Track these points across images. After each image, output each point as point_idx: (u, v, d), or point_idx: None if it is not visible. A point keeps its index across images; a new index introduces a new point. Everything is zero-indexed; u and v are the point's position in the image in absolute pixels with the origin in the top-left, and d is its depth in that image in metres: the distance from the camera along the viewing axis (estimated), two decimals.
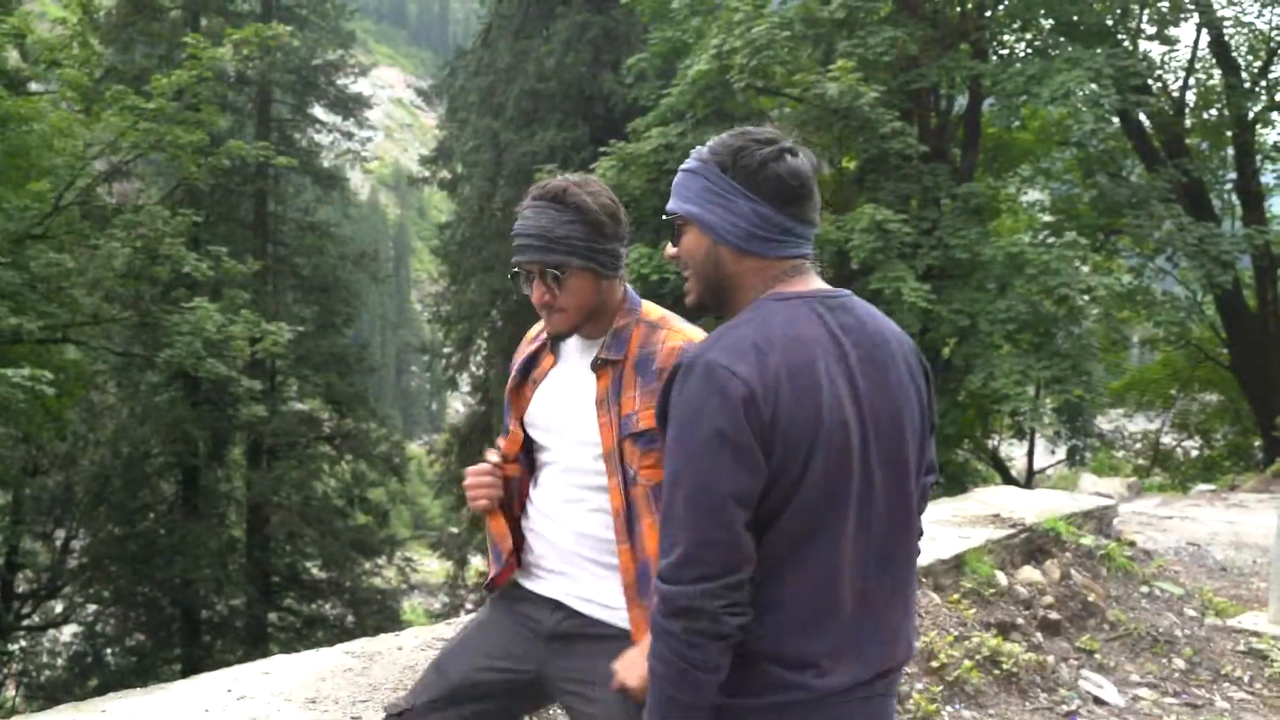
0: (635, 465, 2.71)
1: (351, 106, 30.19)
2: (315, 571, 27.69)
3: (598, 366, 2.80)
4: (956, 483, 18.32)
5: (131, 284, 18.43)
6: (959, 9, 19.27)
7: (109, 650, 25.44)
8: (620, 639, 2.72)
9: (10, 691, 23.89)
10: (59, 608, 25.97)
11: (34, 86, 20.05)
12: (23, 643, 24.65)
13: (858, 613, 2.28)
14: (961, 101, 20.47)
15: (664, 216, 2.45)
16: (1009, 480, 22.04)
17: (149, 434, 23.72)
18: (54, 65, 17.83)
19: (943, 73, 18.21)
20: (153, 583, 24.05)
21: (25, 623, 24.63)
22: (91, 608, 25.57)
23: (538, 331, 3.02)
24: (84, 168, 17.93)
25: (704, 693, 2.17)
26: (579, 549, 2.82)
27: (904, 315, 16.29)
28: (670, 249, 2.44)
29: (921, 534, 2.48)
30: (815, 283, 2.37)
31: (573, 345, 2.90)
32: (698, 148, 2.44)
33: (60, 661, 25.42)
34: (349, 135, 31.38)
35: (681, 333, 2.78)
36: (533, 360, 2.97)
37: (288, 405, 27.29)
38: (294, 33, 22.98)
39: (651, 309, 2.88)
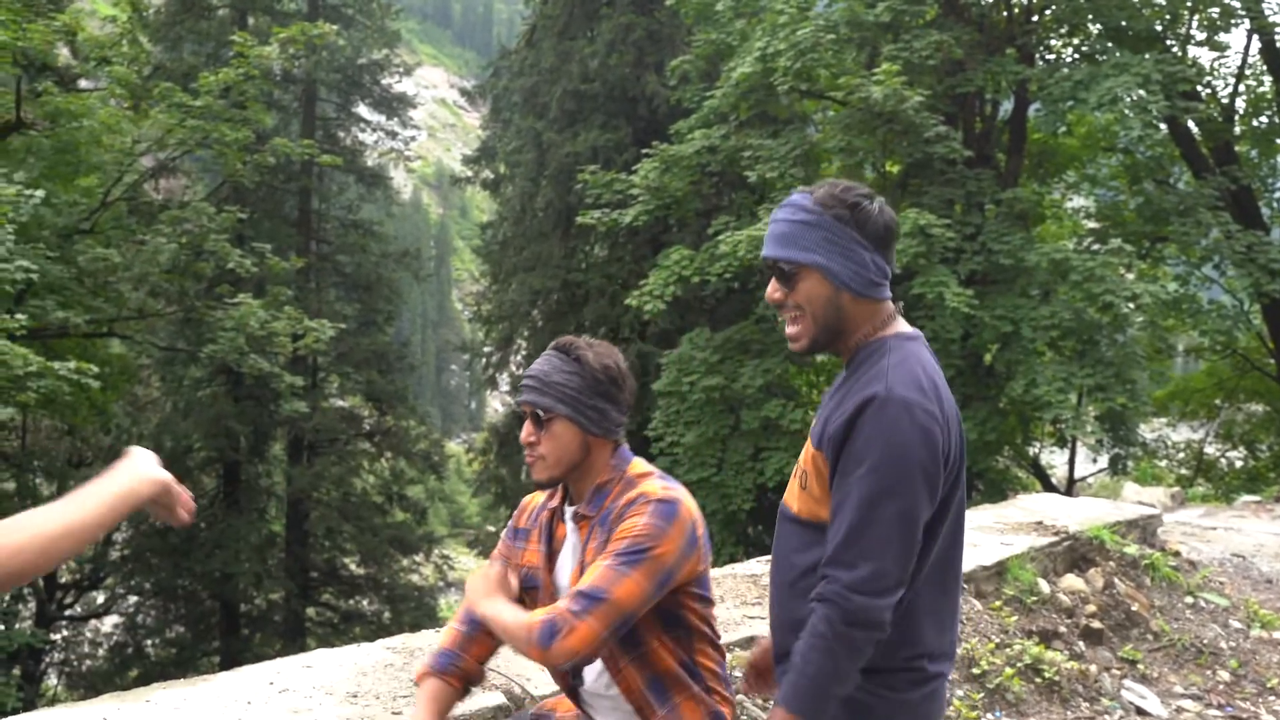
0: None
1: (395, 106, 30.33)
2: (353, 567, 27.83)
3: (577, 520, 2.96)
4: (996, 489, 18.21)
5: (176, 279, 18.58)
6: (1005, 13, 19.14)
7: (149, 641, 25.67)
8: None
9: (52, 680, 24.14)
10: (101, 598, 26.24)
11: (84, 84, 20.26)
12: (65, 632, 24.90)
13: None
14: (1007, 106, 20.33)
15: (779, 266, 2.59)
16: (1049, 488, 21.88)
17: (192, 428, 23.92)
18: (104, 63, 18.00)
19: (988, 77, 18.09)
20: (193, 575, 24.23)
21: (68, 613, 24.87)
22: (132, 599, 25.81)
23: (540, 501, 3.16)
24: (132, 164, 18.10)
25: (851, 682, 2.45)
26: (595, 689, 3.00)
27: (946, 320, 16.21)
28: (776, 294, 2.61)
29: None
30: (904, 321, 2.69)
31: (575, 509, 3.01)
32: (797, 197, 2.61)
33: (101, 652, 25.68)
34: (392, 134, 31.54)
35: (656, 485, 2.86)
36: (550, 531, 3.06)
37: (329, 402, 27.44)
38: (340, 32, 23.14)
39: (638, 466, 2.98)
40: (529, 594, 3.05)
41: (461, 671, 3.07)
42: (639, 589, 2.74)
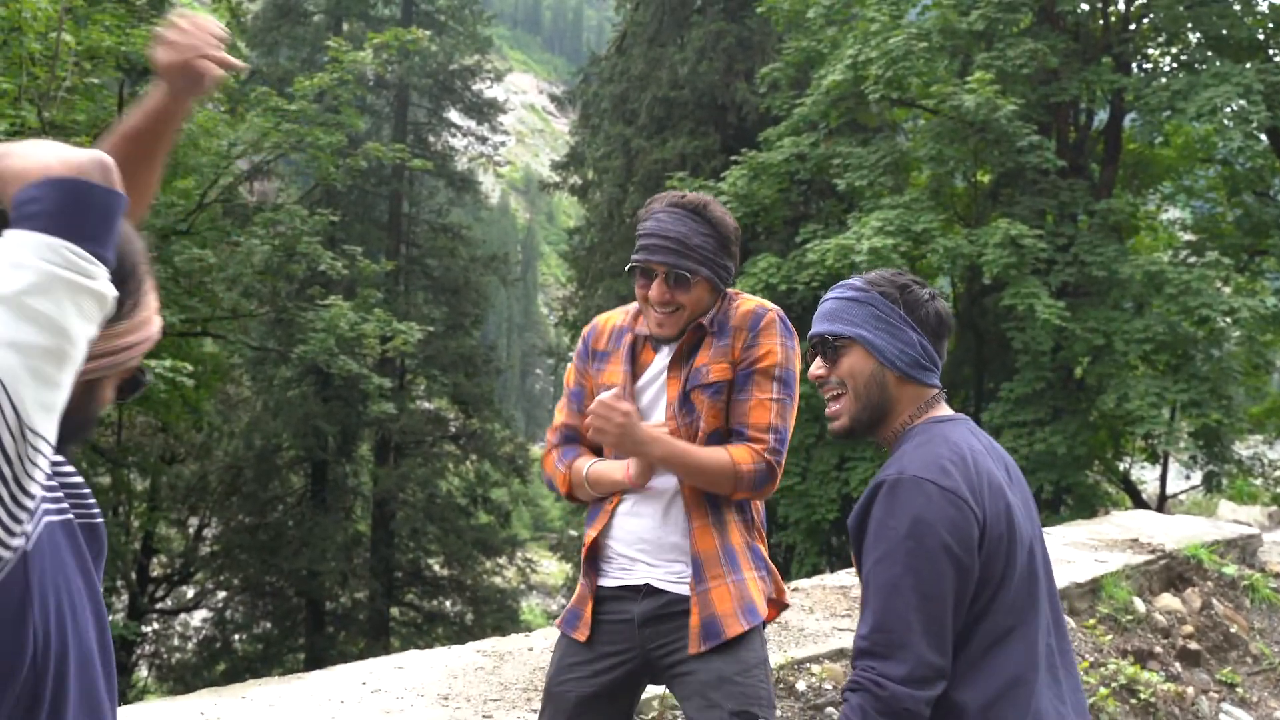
0: (703, 411, 2.95)
1: (486, 111, 30.55)
2: (437, 568, 28.02)
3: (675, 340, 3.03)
4: (1086, 505, 17.93)
5: (269, 280, 18.85)
6: (1102, 21, 18.86)
7: (237, 636, 26.06)
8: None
9: (143, 672, 24.60)
10: (190, 593, 26.67)
11: None
12: (155, 625, 25.35)
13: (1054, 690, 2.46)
14: (1102, 116, 20.05)
15: (823, 339, 2.56)
16: (1140, 504, 21.49)
17: (281, 427, 24.24)
18: None
19: (1084, 86, 17.85)
20: (280, 572, 24.55)
21: (159, 606, 25.32)
22: (221, 594, 26.20)
23: (619, 324, 3.18)
24: (228, 166, 18.37)
25: None
26: (657, 535, 3.00)
27: (1036, 332, 16.01)
28: (819, 370, 2.57)
29: None
30: (949, 408, 2.61)
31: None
32: (852, 280, 2.61)
33: (190, 645, 26.10)
34: (482, 139, 31.75)
35: (758, 300, 3.06)
36: (634, 351, 3.11)
37: (415, 404, 27.68)
38: (432, 38, 23.31)
39: (738, 292, 3.13)
40: (571, 402, 3.17)
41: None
42: (795, 416, 3.04)
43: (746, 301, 3.05)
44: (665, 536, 3.00)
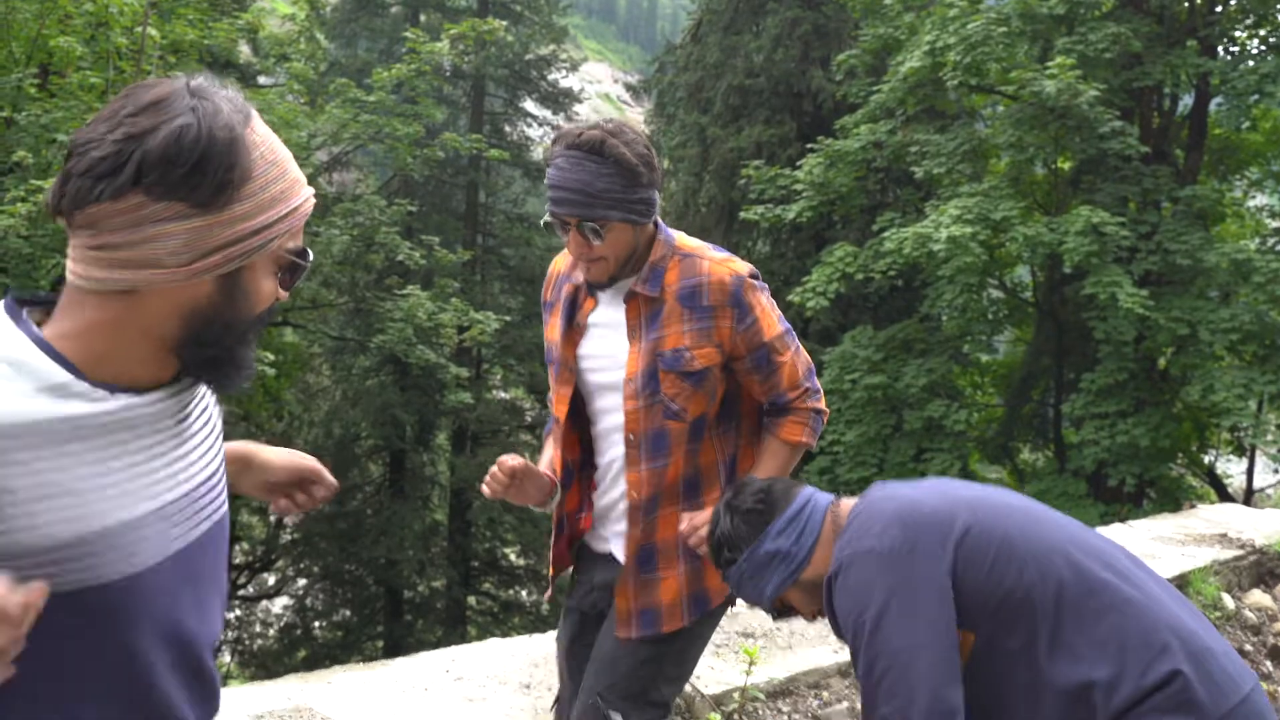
0: (678, 398, 2.82)
1: (561, 101, 30.56)
2: (513, 558, 28.17)
3: (628, 299, 2.86)
4: (1170, 498, 17.64)
5: (348, 270, 19.04)
6: (1187, 4, 18.50)
7: (317, 623, 26.38)
8: None
9: (226, 657, 25.00)
10: (271, 580, 27.05)
11: (263, 80, 20.91)
12: (238, 611, 25.75)
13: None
14: (1187, 100, 19.69)
15: None
16: (1225, 498, 21.11)
17: (360, 416, 24.47)
18: (283, 59, 18.53)
19: (1167, 70, 17.52)
20: (359, 561, 24.80)
21: (241, 593, 25.71)
22: (302, 582, 26.54)
23: (562, 271, 3.04)
24: (307, 158, 18.56)
25: None
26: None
27: (1118, 322, 15.77)
28: None
29: None
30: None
31: (613, 283, 2.92)
32: None
33: (271, 632, 26.48)
34: (557, 129, 31.79)
35: (725, 263, 2.87)
36: (573, 304, 2.97)
37: (492, 393, 27.82)
38: (508, 28, 23.42)
39: (685, 240, 2.93)
40: (550, 368, 3.03)
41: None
42: None
43: (716, 267, 2.85)
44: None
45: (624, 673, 2.87)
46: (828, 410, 3.01)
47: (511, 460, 2.90)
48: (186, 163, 1.44)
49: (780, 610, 2.62)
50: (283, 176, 1.56)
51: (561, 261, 3.06)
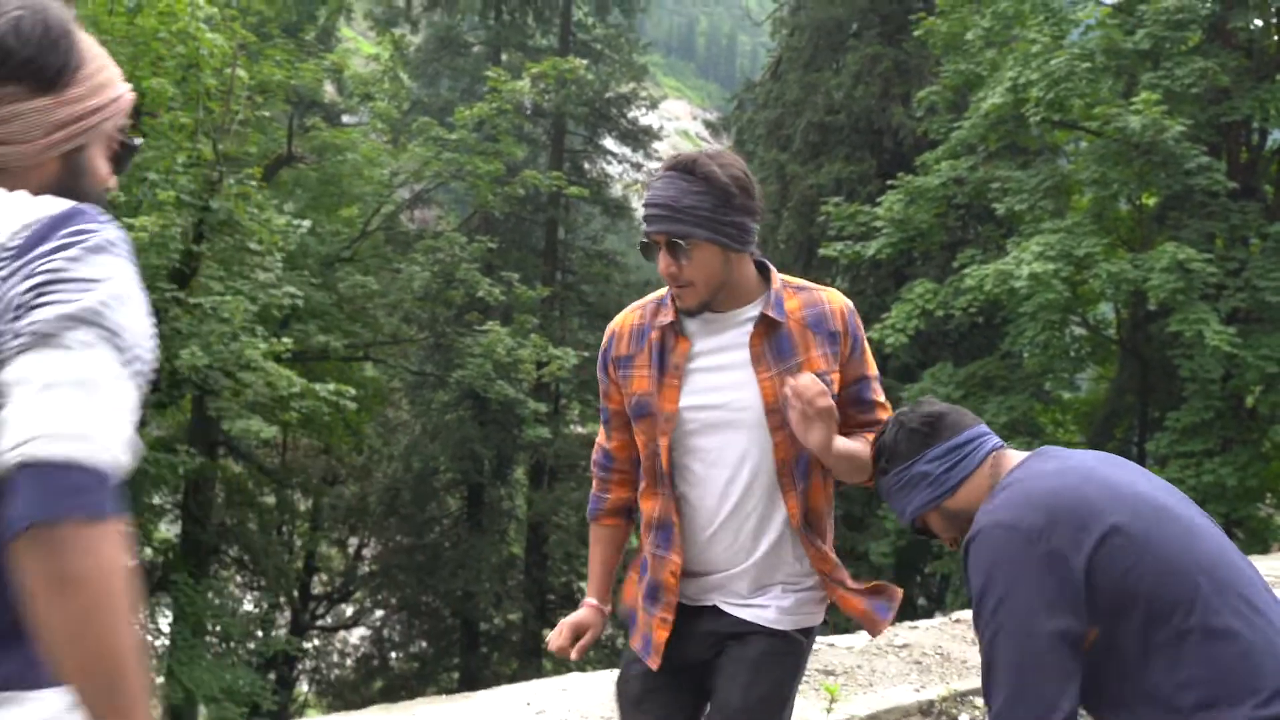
0: None
1: (641, 138, 30.69)
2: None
3: (757, 323, 2.81)
4: (1259, 539, 17.25)
5: (428, 306, 19.27)
6: (1277, 37, 18.23)
7: (394, 654, 26.56)
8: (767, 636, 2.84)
9: (304, 686, 25.24)
10: (349, 611, 27.29)
11: (347, 119, 21.28)
12: (316, 641, 26.00)
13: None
14: (1276, 135, 19.37)
15: None
16: None
17: (438, 450, 24.65)
18: (367, 99, 18.86)
19: (1256, 104, 17.24)
20: (436, 593, 24.94)
21: (319, 623, 25.97)
22: (379, 613, 26.75)
23: (636, 323, 2.94)
24: (390, 195, 18.87)
25: None
26: (745, 547, 2.86)
27: (1205, 360, 15.51)
28: None
29: None
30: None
31: (703, 321, 2.85)
32: None
33: (349, 662, 26.70)
34: (637, 166, 31.94)
35: (836, 295, 2.90)
36: (663, 350, 2.86)
37: (570, 428, 27.89)
38: (589, 67, 23.62)
39: (788, 277, 2.94)
40: (640, 422, 2.89)
41: (610, 507, 3.21)
42: None
43: (833, 298, 2.88)
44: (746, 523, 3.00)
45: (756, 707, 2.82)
46: None
47: (558, 643, 3.11)
48: (27, 49, 1.60)
49: (919, 530, 2.66)
50: (108, 65, 1.75)
51: (633, 315, 2.98)
